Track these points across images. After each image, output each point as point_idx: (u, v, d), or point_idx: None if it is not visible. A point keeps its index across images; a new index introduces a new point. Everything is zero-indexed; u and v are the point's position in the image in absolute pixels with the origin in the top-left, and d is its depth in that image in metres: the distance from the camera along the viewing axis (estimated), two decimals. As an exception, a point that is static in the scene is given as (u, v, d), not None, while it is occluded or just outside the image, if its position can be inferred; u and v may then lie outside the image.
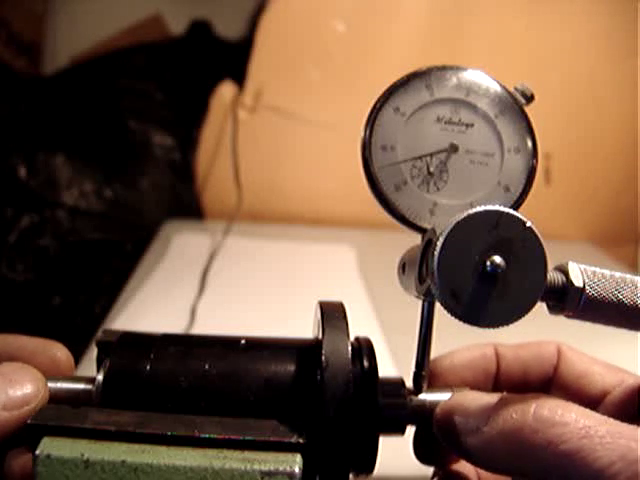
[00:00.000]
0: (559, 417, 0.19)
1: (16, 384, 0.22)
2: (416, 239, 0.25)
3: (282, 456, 0.21)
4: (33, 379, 0.23)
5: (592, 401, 0.26)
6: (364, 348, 0.26)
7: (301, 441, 0.22)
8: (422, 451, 0.27)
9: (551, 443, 0.19)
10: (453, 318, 0.20)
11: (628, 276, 0.22)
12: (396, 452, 0.28)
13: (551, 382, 0.28)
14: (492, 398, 0.22)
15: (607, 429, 0.19)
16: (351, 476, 0.23)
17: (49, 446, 0.21)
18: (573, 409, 0.20)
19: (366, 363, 0.25)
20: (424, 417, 0.27)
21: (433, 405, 0.27)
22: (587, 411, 0.20)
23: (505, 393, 0.23)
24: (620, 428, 0.19)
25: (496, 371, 0.28)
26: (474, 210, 0.20)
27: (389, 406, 0.26)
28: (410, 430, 0.27)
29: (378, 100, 0.25)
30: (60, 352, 0.26)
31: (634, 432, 0.18)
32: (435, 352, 0.28)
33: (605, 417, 0.19)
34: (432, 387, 0.27)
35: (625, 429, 0.19)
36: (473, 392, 0.25)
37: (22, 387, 0.22)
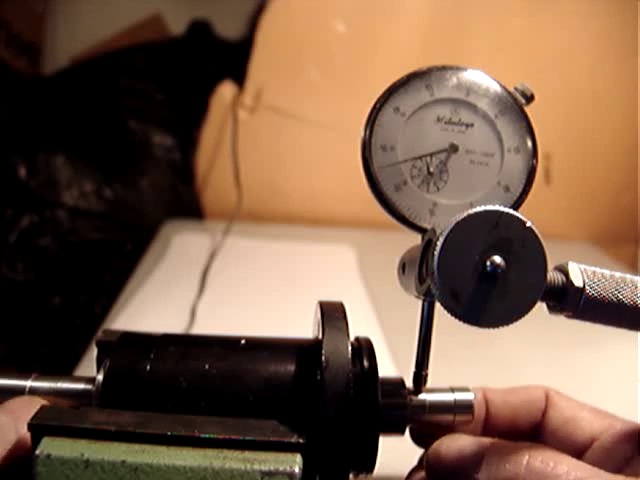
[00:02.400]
0: (551, 469, 0.20)
1: (25, 420, 0.22)
2: (416, 239, 0.25)
3: (282, 456, 0.21)
4: None
5: (580, 446, 0.26)
6: (364, 348, 0.26)
7: (301, 441, 0.22)
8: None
9: None
10: (453, 318, 0.20)
11: (628, 276, 0.22)
12: (396, 452, 0.28)
13: (539, 428, 0.28)
14: (485, 444, 0.22)
15: None
16: (351, 476, 0.23)
17: (49, 446, 0.21)
18: (565, 461, 0.20)
19: (366, 363, 0.25)
20: (424, 417, 0.27)
21: (433, 405, 0.27)
22: (579, 463, 0.20)
23: (497, 439, 0.23)
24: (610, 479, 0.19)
25: (485, 416, 0.28)
26: (474, 210, 0.20)
27: (389, 406, 0.26)
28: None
29: (378, 100, 0.25)
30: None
31: None
32: (435, 352, 0.28)
33: (596, 469, 0.20)
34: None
35: None
36: (465, 436, 0.25)
37: None
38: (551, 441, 0.26)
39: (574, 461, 0.20)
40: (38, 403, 0.23)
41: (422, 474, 0.27)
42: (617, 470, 0.20)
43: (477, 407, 0.28)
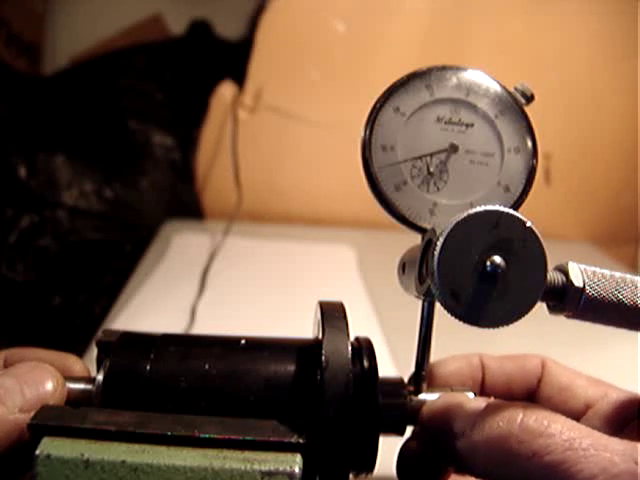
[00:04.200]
0: (545, 428, 0.20)
1: (32, 384, 0.22)
2: (416, 239, 0.25)
3: (282, 456, 0.21)
4: (49, 377, 0.23)
5: (575, 413, 0.26)
6: (364, 348, 0.26)
7: (301, 441, 0.22)
8: (408, 467, 0.27)
9: (536, 454, 0.19)
10: (453, 318, 0.20)
11: (628, 276, 0.22)
12: (396, 452, 0.28)
13: (535, 394, 0.28)
14: (480, 403, 0.23)
15: (591, 441, 0.19)
16: (351, 476, 0.23)
17: (49, 446, 0.21)
18: (559, 420, 0.20)
19: (366, 363, 0.25)
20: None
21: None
22: (573, 423, 0.20)
23: (493, 398, 0.24)
24: (604, 441, 0.19)
25: (481, 381, 0.29)
26: (474, 210, 0.20)
27: (389, 406, 0.26)
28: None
29: (378, 100, 0.25)
30: (76, 364, 0.26)
31: (618, 445, 0.19)
32: (435, 352, 0.28)
33: (590, 429, 0.20)
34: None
35: (609, 442, 0.19)
36: (461, 395, 0.25)
37: (37, 386, 0.22)
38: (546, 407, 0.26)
39: (569, 421, 0.20)
40: (44, 369, 0.23)
41: (415, 445, 0.27)
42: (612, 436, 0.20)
43: (474, 372, 0.29)
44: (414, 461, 0.27)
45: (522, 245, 0.20)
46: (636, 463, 0.18)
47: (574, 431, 0.19)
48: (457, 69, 0.26)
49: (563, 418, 0.20)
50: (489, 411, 0.21)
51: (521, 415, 0.20)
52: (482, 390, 0.29)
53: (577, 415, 0.26)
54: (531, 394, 0.28)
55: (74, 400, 0.24)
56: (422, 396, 0.27)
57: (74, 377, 0.25)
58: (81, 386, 0.25)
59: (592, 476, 0.18)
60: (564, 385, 0.27)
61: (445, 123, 0.25)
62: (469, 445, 0.21)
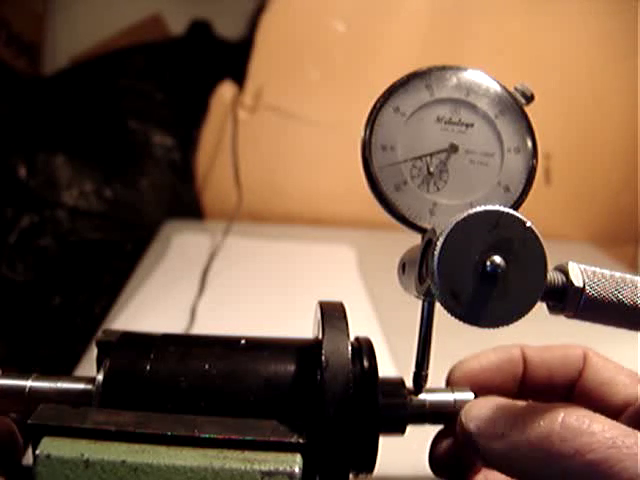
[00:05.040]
0: (587, 426, 0.19)
1: None
2: (416, 239, 0.25)
3: (282, 456, 0.21)
4: None
5: (614, 410, 0.26)
6: (364, 348, 0.26)
7: (301, 441, 0.22)
8: (440, 462, 0.27)
9: (578, 452, 0.19)
10: (453, 318, 0.20)
11: (628, 276, 0.22)
12: (396, 452, 0.28)
13: (575, 387, 0.28)
14: (518, 405, 0.22)
15: (634, 440, 0.19)
16: (351, 476, 0.23)
17: (49, 446, 0.21)
18: (600, 419, 0.20)
19: (366, 363, 0.25)
20: (424, 417, 0.27)
21: (433, 405, 0.27)
22: (614, 422, 0.20)
23: (530, 401, 0.23)
24: None
25: (522, 373, 0.28)
26: (474, 210, 0.20)
27: (389, 406, 0.26)
28: (412, 431, 0.27)
29: (378, 100, 0.25)
30: None
31: None
32: (435, 352, 0.28)
33: (631, 429, 0.20)
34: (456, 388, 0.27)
35: None
36: (498, 398, 0.25)
37: None
38: (584, 402, 0.26)
39: (609, 420, 0.20)
40: None
41: (448, 440, 0.27)
42: None
43: (515, 364, 0.28)
44: (447, 455, 0.27)
45: (522, 245, 0.20)
46: None
47: (616, 430, 0.19)
48: (457, 69, 0.26)
49: (604, 417, 0.20)
50: (530, 411, 0.21)
51: (562, 414, 0.20)
52: (523, 382, 0.28)
53: (617, 412, 0.26)
54: (571, 387, 0.28)
55: (74, 400, 0.24)
56: (422, 396, 0.27)
57: (75, 377, 0.25)
58: (81, 386, 0.25)
59: (636, 474, 0.18)
60: (606, 380, 0.27)
61: (445, 123, 0.25)
62: (510, 446, 0.21)
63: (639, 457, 0.18)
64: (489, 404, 0.23)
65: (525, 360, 0.28)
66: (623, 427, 0.20)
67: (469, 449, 0.23)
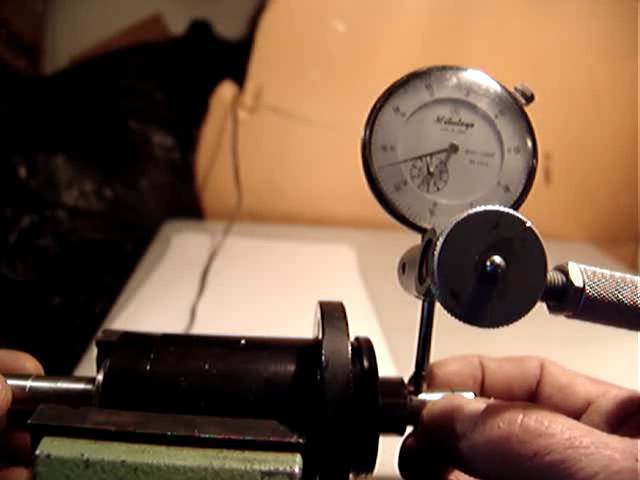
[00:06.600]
0: (545, 428, 0.20)
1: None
2: (416, 239, 0.25)
3: (282, 456, 0.21)
4: None
5: (576, 411, 0.26)
6: (364, 348, 0.26)
7: (301, 441, 0.22)
8: (407, 465, 0.27)
9: (537, 454, 0.19)
10: (453, 318, 0.20)
11: (628, 276, 0.22)
12: (396, 452, 0.28)
13: (534, 395, 0.28)
14: (480, 404, 0.23)
15: (592, 440, 0.19)
16: (351, 476, 0.23)
17: (49, 446, 0.21)
18: (559, 420, 0.20)
19: (366, 363, 0.25)
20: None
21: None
22: (573, 422, 0.20)
23: (493, 399, 0.24)
24: (605, 439, 0.19)
25: (481, 382, 0.29)
26: (474, 210, 0.20)
27: (389, 406, 0.26)
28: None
29: (378, 100, 0.25)
30: (28, 362, 0.26)
31: (618, 443, 0.19)
32: (435, 352, 0.28)
33: (590, 428, 0.20)
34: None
35: (610, 440, 0.19)
36: (460, 396, 0.25)
37: None
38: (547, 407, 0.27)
39: (569, 420, 0.20)
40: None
41: (416, 440, 0.27)
42: (612, 433, 0.20)
43: (474, 372, 0.29)
44: (415, 458, 0.27)
45: (522, 245, 0.20)
46: (636, 460, 0.18)
47: (574, 430, 0.19)
48: (457, 69, 0.26)
49: (563, 417, 0.20)
50: (489, 412, 0.21)
51: (521, 415, 0.20)
52: (482, 391, 0.29)
53: (578, 412, 0.26)
54: (531, 395, 0.28)
55: (74, 400, 0.24)
56: (422, 396, 0.27)
57: (75, 377, 0.25)
58: (81, 386, 0.25)
59: (593, 474, 0.18)
60: (564, 384, 0.27)
61: (445, 123, 0.25)
62: (470, 446, 0.21)
63: (595, 456, 0.18)
64: (451, 403, 0.24)
65: (483, 369, 0.29)
66: (582, 426, 0.20)
67: (432, 448, 0.24)
